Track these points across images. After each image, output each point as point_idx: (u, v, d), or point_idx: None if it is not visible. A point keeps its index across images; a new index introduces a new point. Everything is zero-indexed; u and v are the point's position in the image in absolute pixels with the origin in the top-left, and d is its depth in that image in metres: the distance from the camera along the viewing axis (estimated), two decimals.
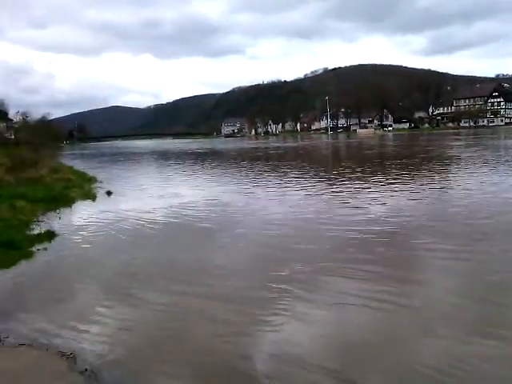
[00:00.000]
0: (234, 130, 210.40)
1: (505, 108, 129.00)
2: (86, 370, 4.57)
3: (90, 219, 12.66)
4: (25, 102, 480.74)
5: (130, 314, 6.06)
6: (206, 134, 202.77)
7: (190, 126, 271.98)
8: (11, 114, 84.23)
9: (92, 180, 23.06)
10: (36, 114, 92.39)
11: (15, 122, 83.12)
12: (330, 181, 19.98)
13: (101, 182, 22.49)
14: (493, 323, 5.22)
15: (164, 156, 53.09)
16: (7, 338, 5.32)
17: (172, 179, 23.94)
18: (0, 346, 5.14)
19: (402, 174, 20.42)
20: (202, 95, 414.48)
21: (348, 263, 7.52)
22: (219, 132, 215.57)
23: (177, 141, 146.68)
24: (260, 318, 5.61)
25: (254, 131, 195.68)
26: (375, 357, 4.68)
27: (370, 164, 27.30)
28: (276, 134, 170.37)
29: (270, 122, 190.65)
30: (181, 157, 48.61)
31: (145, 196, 17.28)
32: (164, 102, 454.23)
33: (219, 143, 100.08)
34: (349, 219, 10.98)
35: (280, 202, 14.41)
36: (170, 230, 11.14)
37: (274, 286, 6.68)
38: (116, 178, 25.69)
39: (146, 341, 5.27)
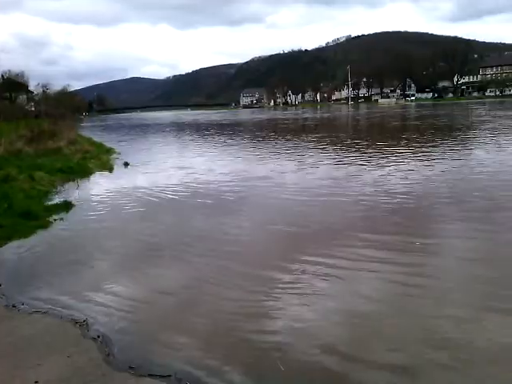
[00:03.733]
0: (252, 101, 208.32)
1: None
2: (99, 336, 4.66)
3: (107, 190, 12.79)
4: (45, 73, 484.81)
5: (142, 283, 6.14)
6: (225, 105, 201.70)
7: (209, 96, 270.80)
8: (31, 85, 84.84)
9: (110, 151, 23.25)
10: (56, 86, 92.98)
11: (35, 94, 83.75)
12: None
13: (119, 153, 22.66)
14: None
15: (181, 127, 53.10)
16: (23, 305, 5.44)
17: (191, 152, 23.85)
18: (16, 313, 5.26)
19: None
20: (220, 65, 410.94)
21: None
22: (237, 103, 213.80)
23: (195, 112, 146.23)
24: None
25: (272, 102, 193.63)
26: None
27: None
28: (295, 105, 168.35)
29: (290, 92, 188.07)
30: (196, 128, 48.58)
31: (162, 168, 17.27)
32: (183, 73, 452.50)
33: (238, 114, 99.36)
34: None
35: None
36: (185, 202, 11.10)
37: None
38: (134, 150, 25.82)
39: (157, 310, 5.33)
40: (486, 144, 19.03)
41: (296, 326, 4.73)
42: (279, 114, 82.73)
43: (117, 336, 4.68)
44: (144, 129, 53.93)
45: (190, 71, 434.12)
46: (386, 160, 15.84)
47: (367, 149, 19.83)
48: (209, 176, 14.45)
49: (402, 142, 21.44)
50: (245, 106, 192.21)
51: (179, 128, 52.16)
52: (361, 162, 15.63)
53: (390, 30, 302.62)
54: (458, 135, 23.92)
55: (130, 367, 4.09)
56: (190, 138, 34.70)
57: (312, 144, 23.36)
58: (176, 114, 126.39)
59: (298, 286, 5.68)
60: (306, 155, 18.53)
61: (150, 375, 3.97)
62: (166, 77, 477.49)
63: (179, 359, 4.24)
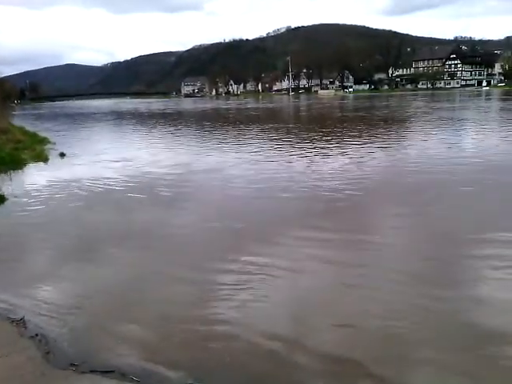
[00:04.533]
0: (194, 90, 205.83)
1: (461, 70, 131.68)
2: (37, 335, 4.54)
3: (41, 182, 12.28)
4: None
5: (80, 280, 6.00)
6: (165, 94, 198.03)
7: (149, 85, 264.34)
8: None
9: (45, 141, 22.25)
10: None
11: None
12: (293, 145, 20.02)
13: (54, 143, 21.75)
14: None
15: (120, 117, 51.65)
16: None
17: (131, 143, 23.28)
18: None
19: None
20: (160, 53, 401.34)
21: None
22: (179, 92, 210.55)
23: (135, 100, 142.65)
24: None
25: (214, 91, 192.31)
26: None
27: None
28: (237, 95, 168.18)
29: (231, 81, 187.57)
30: (138, 118, 47.51)
31: (101, 159, 16.69)
32: (121, 60, 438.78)
33: (179, 104, 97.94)
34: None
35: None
36: (123, 195, 10.75)
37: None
38: (71, 140, 24.88)
39: (97, 305, 5.25)
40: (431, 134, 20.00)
41: (240, 317, 4.80)
42: (222, 104, 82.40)
43: (56, 334, 4.58)
44: (81, 118, 51.98)
45: (129, 58, 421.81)
46: (335, 150, 16.24)
47: (314, 139, 20.18)
48: (151, 168, 14.08)
49: (352, 133, 22.05)
50: (186, 95, 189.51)
51: (119, 117, 50.69)
52: (309, 154, 15.83)
53: (329, 22, 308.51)
54: (404, 126, 24.96)
55: (72, 364, 4.02)
56: (132, 127, 33.91)
57: (258, 135, 23.47)
58: (115, 103, 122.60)
59: (241, 279, 5.70)
60: (252, 146, 18.56)
61: (92, 371, 3.92)
62: (104, 64, 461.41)
63: (122, 354, 4.21)
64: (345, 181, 10.89)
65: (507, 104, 45.09)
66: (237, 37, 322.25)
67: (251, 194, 10.13)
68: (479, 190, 9.63)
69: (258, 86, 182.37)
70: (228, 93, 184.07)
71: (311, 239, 7.00)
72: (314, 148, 17.11)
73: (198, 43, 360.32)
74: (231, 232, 7.53)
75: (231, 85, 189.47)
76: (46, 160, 16.44)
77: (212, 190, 10.87)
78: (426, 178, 10.93)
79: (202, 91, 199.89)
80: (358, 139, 19.20)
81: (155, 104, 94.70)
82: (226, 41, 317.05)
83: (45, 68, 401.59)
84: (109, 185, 11.72)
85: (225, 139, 21.91)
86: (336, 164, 13.43)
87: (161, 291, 5.52)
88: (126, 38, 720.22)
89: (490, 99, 59.28)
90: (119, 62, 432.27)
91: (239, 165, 14.07)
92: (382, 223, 7.96)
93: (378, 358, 4.00)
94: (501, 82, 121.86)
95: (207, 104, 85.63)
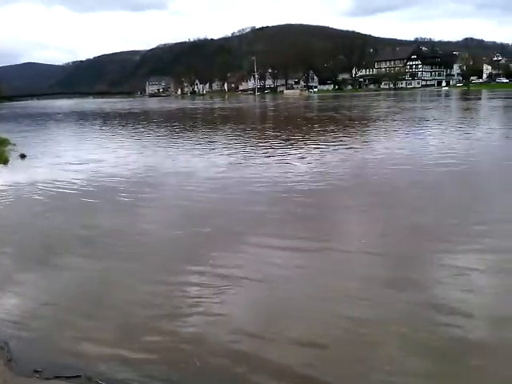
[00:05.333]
0: (159, 90, 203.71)
1: (422, 71, 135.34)
2: None
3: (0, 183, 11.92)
4: None
5: (40, 285, 5.89)
6: (130, 93, 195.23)
7: (113, 84, 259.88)
8: None
9: (4, 143, 21.53)
10: None
11: None
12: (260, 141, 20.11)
13: (14, 144, 21.09)
14: None
15: (85, 117, 50.51)
16: None
17: (92, 144, 22.80)
18: None
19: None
20: (124, 52, 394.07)
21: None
22: (143, 91, 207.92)
23: (99, 100, 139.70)
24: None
25: (180, 91, 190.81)
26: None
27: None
28: (203, 94, 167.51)
29: (197, 81, 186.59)
30: (103, 118, 46.63)
31: (64, 161, 16.23)
32: (84, 59, 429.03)
33: (145, 103, 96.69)
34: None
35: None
36: (81, 197, 10.49)
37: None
38: (32, 141, 24.16)
39: (59, 311, 5.15)
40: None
41: (208, 320, 4.78)
42: (189, 104, 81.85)
43: (18, 340, 4.47)
44: (43, 118, 50.46)
45: (92, 57, 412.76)
46: (304, 149, 16.40)
47: (283, 139, 20.31)
48: (115, 170, 13.81)
49: (323, 132, 22.31)
50: (151, 95, 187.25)
51: (83, 118, 49.41)
52: (286, 157, 15.93)
53: (293, 23, 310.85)
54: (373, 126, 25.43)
55: (35, 371, 3.94)
56: (96, 128, 33.19)
57: (228, 136, 23.48)
58: (78, 103, 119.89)
59: (208, 283, 5.66)
60: (220, 148, 18.53)
61: (57, 377, 3.85)
62: (65, 63, 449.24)
63: (88, 358, 4.14)
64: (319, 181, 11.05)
65: (471, 103, 46.70)
66: (202, 36, 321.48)
67: (221, 198, 10.04)
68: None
69: (223, 85, 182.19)
70: (194, 92, 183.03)
71: (275, 242, 7.08)
72: (290, 148, 17.23)
73: (163, 42, 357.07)
74: (194, 238, 7.38)
75: (197, 84, 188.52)
76: (5, 162, 15.93)
77: (178, 194, 10.63)
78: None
79: (167, 91, 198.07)
80: (326, 140, 19.45)
81: (120, 104, 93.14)
82: (191, 40, 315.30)
83: (1, 67, 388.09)
84: (68, 188, 11.33)
85: (194, 140, 21.74)
86: (314, 164, 13.61)
87: (125, 296, 5.46)
88: (89, 37, 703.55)
89: (450, 99, 61.19)
90: (81, 61, 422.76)
91: (209, 167, 13.96)
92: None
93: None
94: (459, 82, 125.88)
95: (173, 104, 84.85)
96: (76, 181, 12.20)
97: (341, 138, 19.38)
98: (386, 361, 4.00)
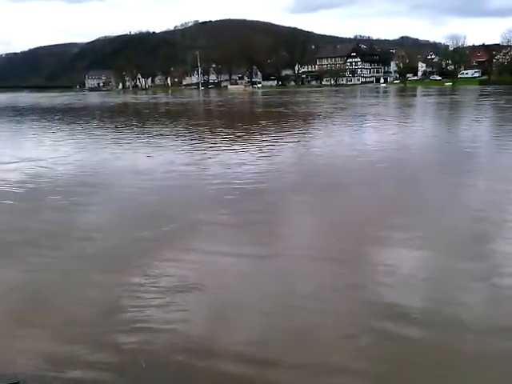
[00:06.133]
0: (99, 84, 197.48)
1: (361, 68, 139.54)
2: None
3: None
4: None
5: None
6: (68, 88, 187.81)
7: (50, 78, 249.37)
8: None
9: None
10: None
11: None
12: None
13: None
14: None
15: (21, 113, 48.02)
16: None
17: (28, 141, 21.95)
18: None
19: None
20: (62, 44, 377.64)
21: None
22: (83, 85, 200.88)
23: (35, 94, 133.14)
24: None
25: (121, 85, 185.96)
26: None
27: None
28: (145, 89, 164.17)
29: (139, 75, 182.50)
30: (39, 114, 44.71)
31: None
32: (18, 51, 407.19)
33: (86, 98, 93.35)
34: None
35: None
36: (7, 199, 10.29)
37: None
38: None
39: None
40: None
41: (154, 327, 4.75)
42: (132, 98, 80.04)
43: None
44: None
45: (27, 49, 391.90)
46: (247, 143, 16.60)
47: (230, 133, 20.43)
48: (52, 169, 13.36)
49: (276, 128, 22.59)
50: (91, 89, 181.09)
51: (19, 113, 46.75)
52: (223, 147, 16.08)
53: (236, 18, 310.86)
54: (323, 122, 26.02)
55: None
56: (34, 124, 31.64)
57: (172, 131, 23.25)
58: (12, 97, 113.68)
59: (152, 287, 5.64)
60: (168, 144, 18.40)
61: None
62: None
63: (27, 364, 4.10)
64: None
65: (408, 100, 48.77)
66: (143, 29, 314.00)
67: (161, 199, 9.94)
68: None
69: (166, 80, 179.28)
70: (136, 87, 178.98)
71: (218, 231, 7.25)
72: (236, 144, 17.38)
73: (103, 35, 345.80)
74: (132, 244, 7.23)
75: (139, 79, 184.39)
76: None
77: (119, 196, 10.31)
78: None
79: (108, 85, 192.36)
80: (274, 134, 19.78)
81: (59, 98, 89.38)
82: (132, 33, 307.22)
83: None
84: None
85: (138, 137, 21.35)
86: (256, 161, 13.82)
87: (68, 299, 5.44)
88: (24, 28, 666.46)
89: (387, 96, 63.65)
90: (15, 53, 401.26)
91: (155, 167, 13.86)
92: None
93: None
94: (396, 79, 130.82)
95: (115, 98, 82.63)
96: (6, 182, 11.72)
97: (289, 134, 19.80)
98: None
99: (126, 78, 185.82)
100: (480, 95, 51.94)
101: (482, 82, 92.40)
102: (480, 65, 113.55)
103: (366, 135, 19.83)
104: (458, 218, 7.86)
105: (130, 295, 5.34)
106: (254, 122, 26.65)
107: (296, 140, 18.27)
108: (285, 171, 12.14)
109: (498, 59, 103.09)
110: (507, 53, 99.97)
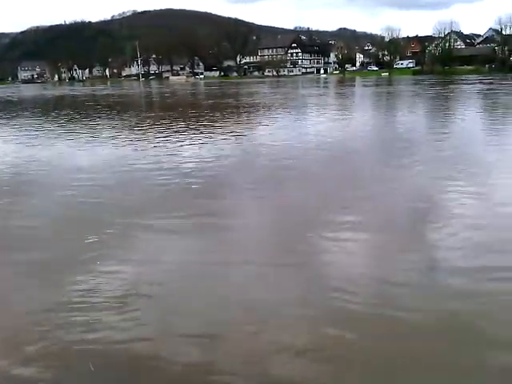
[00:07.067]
0: (33, 76, 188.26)
1: (302, 59, 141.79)
2: None
3: None
4: None
5: None
6: (1, 80, 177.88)
7: None
8: None
9: None
10: None
11: None
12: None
13: None
14: None
15: None
16: None
17: None
18: None
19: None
20: None
21: None
22: (15, 77, 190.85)
23: None
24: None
25: (57, 77, 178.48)
26: None
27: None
28: (83, 80, 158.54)
29: (76, 66, 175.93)
30: None
31: None
32: None
33: (20, 90, 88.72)
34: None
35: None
36: None
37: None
38: None
39: None
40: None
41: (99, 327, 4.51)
42: (69, 90, 77.23)
43: None
44: None
45: None
46: (184, 136, 16.77)
47: (180, 125, 20.43)
48: None
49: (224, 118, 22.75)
50: (24, 81, 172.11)
51: None
52: (163, 140, 16.16)
53: (175, 8, 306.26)
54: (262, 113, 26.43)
55: None
56: None
57: (113, 124, 22.90)
58: None
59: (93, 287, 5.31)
60: (101, 135, 18.24)
61: None
62: None
63: None
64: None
65: (347, 90, 50.25)
66: (78, 19, 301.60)
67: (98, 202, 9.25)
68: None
69: (105, 71, 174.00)
70: (73, 78, 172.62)
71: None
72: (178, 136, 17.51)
73: (35, 25, 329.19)
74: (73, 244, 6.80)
75: (75, 70, 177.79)
76: None
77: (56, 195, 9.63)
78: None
79: (43, 77, 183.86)
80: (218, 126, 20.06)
81: None
82: (67, 23, 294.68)
83: None
84: None
85: (79, 129, 20.90)
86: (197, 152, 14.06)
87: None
88: None
89: (327, 86, 65.33)
90: None
91: (95, 162, 13.79)
92: None
93: None
94: (336, 69, 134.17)
95: (52, 91, 79.41)
96: None
97: (232, 124, 20.16)
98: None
99: (62, 70, 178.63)
100: (414, 84, 54.52)
101: (415, 72, 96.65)
102: (414, 55, 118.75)
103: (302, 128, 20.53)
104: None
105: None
106: (189, 114, 26.74)
107: (228, 132, 18.65)
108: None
109: (430, 50, 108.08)
110: (438, 44, 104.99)
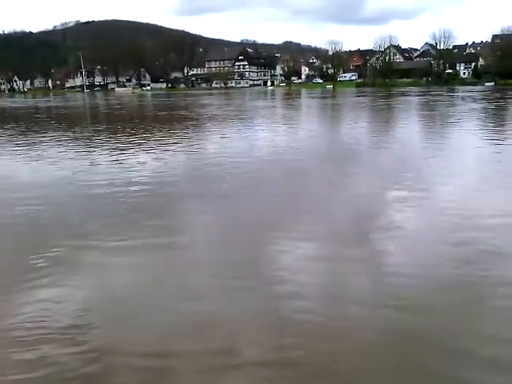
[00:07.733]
0: None
1: (249, 71, 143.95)
2: None
3: None
4: None
5: None
6: None
7: None
8: None
9: None
10: None
11: None
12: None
13: None
14: None
15: None
16: None
17: None
18: None
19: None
20: None
21: None
22: None
23: None
24: None
25: None
26: None
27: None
28: (24, 92, 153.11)
29: (16, 77, 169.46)
30: None
31: None
32: None
33: None
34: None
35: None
36: None
37: None
38: None
39: None
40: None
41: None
42: (10, 102, 74.30)
43: None
44: None
45: None
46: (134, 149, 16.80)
47: (124, 138, 20.33)
48: None
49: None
50: None
51: None
52: (112, 154, 16.12)
53: (121, 19, 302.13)
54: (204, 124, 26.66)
55: None
56: None
57: (56, 137, 22.49)
58: None
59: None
60: (52, 149, 17.92)
61: None
62: None
63: None
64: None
65: (294, 102, 51.49)
66: (18, 29, 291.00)
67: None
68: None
69: (47, 82, 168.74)
70: (13, 90, 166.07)
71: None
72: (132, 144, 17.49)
73: None
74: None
75: (15, 81, 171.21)
76: None
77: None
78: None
79: None
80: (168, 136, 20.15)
81: None
82: (6, 33, 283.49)
83: None
84: None
85: (17, 141, 20.44)
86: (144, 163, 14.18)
87: None
88: None
89: (274, 98, 66.66)
90: None
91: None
92: None
93: None
94: (282, 82, 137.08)
95: None
96: None
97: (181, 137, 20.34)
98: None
99: (1, 81, 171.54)
100: (357, 96, 56.72)
101: (358, 85, 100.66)
102: (357, 68, 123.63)
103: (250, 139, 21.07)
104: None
105: None
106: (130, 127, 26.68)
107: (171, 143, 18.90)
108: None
109: (371, 63, 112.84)
110: (379, 58, 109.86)
